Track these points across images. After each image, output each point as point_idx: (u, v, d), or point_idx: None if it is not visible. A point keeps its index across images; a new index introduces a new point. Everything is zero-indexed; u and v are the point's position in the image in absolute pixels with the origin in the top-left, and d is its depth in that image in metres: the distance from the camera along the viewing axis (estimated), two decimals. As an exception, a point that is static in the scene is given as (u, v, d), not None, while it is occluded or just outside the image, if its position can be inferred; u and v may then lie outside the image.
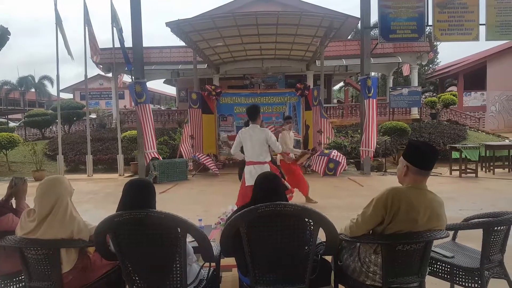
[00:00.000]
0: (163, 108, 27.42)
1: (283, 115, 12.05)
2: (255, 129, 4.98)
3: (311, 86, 12.72)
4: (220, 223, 3.95)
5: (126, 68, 13.17)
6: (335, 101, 26.13)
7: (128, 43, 11.03)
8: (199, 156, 11.02)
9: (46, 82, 38.04)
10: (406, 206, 2.15)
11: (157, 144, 9.95)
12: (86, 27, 11.79)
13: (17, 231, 2.39)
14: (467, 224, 2.72)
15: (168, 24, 10.49)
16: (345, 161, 10.52)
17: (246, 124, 5.48)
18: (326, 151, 10.62)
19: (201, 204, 6.75)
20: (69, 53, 11.47)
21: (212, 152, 11.95)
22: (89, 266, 2.48)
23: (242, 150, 5.22)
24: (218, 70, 17.64)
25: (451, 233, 3.01)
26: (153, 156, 9.62)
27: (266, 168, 4.92)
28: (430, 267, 2.61)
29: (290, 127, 7.12)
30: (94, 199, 7.82)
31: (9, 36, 11.56)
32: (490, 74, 22.38)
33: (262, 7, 17.53)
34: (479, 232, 2.51)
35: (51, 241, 2.30)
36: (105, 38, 16.88)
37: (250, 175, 4.89)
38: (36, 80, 37.89)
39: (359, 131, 12.19)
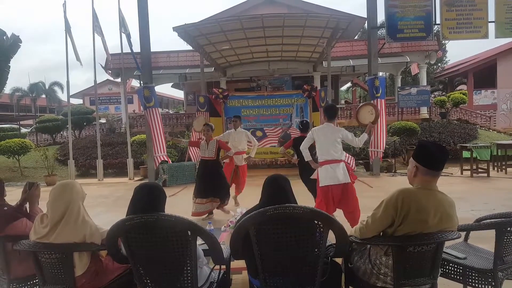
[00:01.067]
0: (171, 112, 27.55)
1: (290, 116, 12.05)
2: (330, 127, 4.88)
3: (318, 87, 12.68)
4: (229, 225, 3.96)
5: (134, 73, 13.30)
6: (342, 101, 26.00)
7: (136, 48, 11.14)
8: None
9: (56, 88, 38.60)
10: (417, 207, 2.14)
11: (166, 147, 10.00)
12: (95, 34, 11.93)
13: (31, 235, 2.43)
14: (479, 224, 2.69)
15: (175, 28, 10.56)
16: (354, 162, 10.46)
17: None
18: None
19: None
20: (78, 59, 11.62)
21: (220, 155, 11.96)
22: (101, 270, 2.51)
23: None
24: (225, 73, 17.70)
25: (463, 234, 2.98)
26: (162, 159, 9.68)
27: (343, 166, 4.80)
28: (442, 269, 2.58)
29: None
30: (104, 203, 7.89)
31: (20, 44, 11.73)
32: (500, 71, 22.08)
33: (267, 9, 17.58)
34: (491, 233, 2.48)
35: (64, 245, 2.34)
36: (113, 44, 17.10)
37: (330, 173, 4.72)
38: (47, 86, 38.44)
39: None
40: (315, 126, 12.09)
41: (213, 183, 5.96)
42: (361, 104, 6.41)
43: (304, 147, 5.00)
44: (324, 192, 4.76)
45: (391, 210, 2.17)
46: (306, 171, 5.42)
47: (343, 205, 4.80)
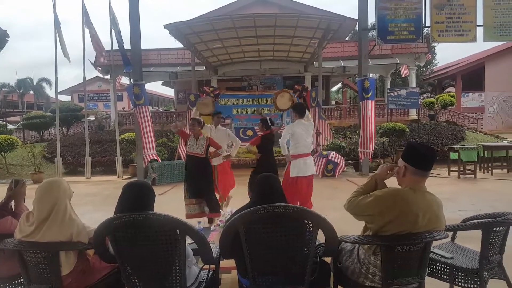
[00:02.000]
0: (161, 110, 27.39)
1: (281, 116, 12.05)
2: (305, 123, 5.41)
3: (309, 88, 12.71)
4: (219, 225, 3.94)
5: (124, 70, 13.17)
6: (333, 102, 26.15)
7: (127, 45, 11.03)
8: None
9: (45, 85, 37.98)
10: (406, 208, 2.16)
11: (156, 146, 9.94)
12: (86, 30, 11.79)
13: (16, 234, 2.38)
14: (466, 225, 2.73)
15: (166, 26, 10.49)
16: (343, 162, 10.54)
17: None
18: (325, 153, 10.64)
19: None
20: (66, 55, 11.45)
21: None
22: (88, 269, 2.47)
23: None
24: (216, 72, 17.65)
25: (450, 234, 3.02)
26: (152, 157, 9.61)
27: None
28: (429, 268, 2.61)
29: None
30: (92, 202, 7.80)
31: (8, 39, 11.50)
32: (488, 75, 22.47)
33: (259, 9, 17.57)
34: (478, 233, 2.51)
35: (50, 243, 2.30)
36: (103, 41, 16.88)
37: (306, 165, 5.32)
38: (35, 83, 37.83)
39: (357, 132, 12.20)
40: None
41: (203, 191, 5.50)
42: (280, 90, 6.67)
43: (283, 141, 5.39)
44: (293, 183, 5.31)
45: (376, 206, 2.21)
46: (263, 167, 5.68)
47: (302, 195, 5.39)
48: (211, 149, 5.70)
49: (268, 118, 6.20)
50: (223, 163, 6.43)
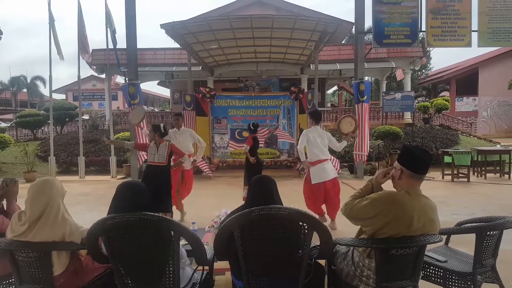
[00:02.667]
0: (156, 110, 27.29)
1: (277, 118, 12.08)
2: (320, 130, 5.50)
3: (305, 90, 12.76)
4: (213, 226, 3.93)
5: (121, 69, 13.12)
6: (329, 105, 26.22)
7: (123, 44, 10.98)
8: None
9: (39, 83, 37.74)
10: (401, 210, 2.16)
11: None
12: (79, 28, 11.72)
13: (8, 233, 2.35)
14: (460, 228, 2.74)
15: (163, 26, 10.46)
16: (338, 164, 10.55)
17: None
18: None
19: (194, 207, 6.71)
20: (59, 53, 11.36)
21: (205, 155, 11.90)
22: (81, 269, 2.45)
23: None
24: (213, 73, 17.62)
25: (444, 237, 3.03)
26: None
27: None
28: (423, 271, 2.62)
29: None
30: (86, 201, 7.75)
31: (1, 36, 11.43)
32: (482, 79, 22.68)
33: (257, 10, 17.60)
34: (471, 237, 2.52)
35: (42, 243, 2.27)
36: (99, 39, 16.82)
37: (325, 171, 5.36)
38: (28, 80, 37.56)
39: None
40: (302, 129, 12.15)
41: (160, 194, 5.12)
42: (342, 116, 6.63)
43: (300, 147, 5.44)
44: (315, 190, 5.30)
45: (372, 211, 2.21)
46: (254, 166, 6.19)
47: (329, 199, 5.37)
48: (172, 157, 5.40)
49: (252, 122, 6.68)
50: (190, 169, 6.24)
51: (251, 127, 6.61)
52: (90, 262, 2.49)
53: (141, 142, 9.23)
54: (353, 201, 2.36)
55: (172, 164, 5.40)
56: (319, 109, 10.64)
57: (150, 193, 4.92)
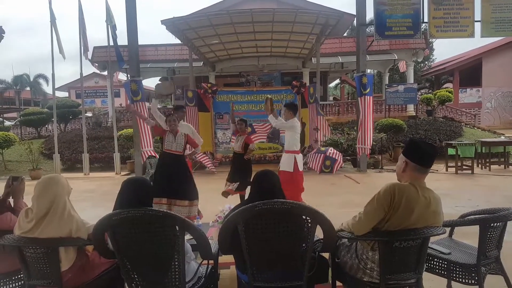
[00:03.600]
0: (159, 106, 27.31)
1: (279, 112, 12.04)
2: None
3: (307, 84, 12.72)
4: (217, 221, 3.95)
5: (123, 66, 13.11)
6: (331, 98, 26.17)
7: (124, 41, 10.98)
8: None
9: (41, 81, 37.76)
10: (406, 202, 2.17)
11: (153, 142, 9.92)
12: (80, 26, 11.72)
13: (15, 230, 2.38)
14: (464, 220, 2.74)
15: (163, 22, 10.45)
16: (341, 158, 10.56)
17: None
18: (323, 149, 10.66)
19: (198, 202, 6.74)
20: (61, 51, 11.38)
21: (208, 150, 11.93)
22: (88, 264, 2.48)
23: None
24: (214, 68, 17.60)
25: (448, 229, 3.03)
26: (149, 154, 9.60)
27: None
28: (427, 264, 2.63)
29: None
30: (91, 198, 7.80)
31: (3, 35, 11.43)
32: (485, 70, 22.50)
33: (257, 4, 17.50)
34: (475, 229, 2.53)
35: (49, 239, 2.30)
36: (101, 36, 16.82)
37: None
38: (31, 79, 37.63)
39: (355, 128, 12.22)
40: (304, 123, 12.15)
41: (178, 182, 5.12)
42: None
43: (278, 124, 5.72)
44: (302, 176, 5.54)
45: (384, 201, 2.19)
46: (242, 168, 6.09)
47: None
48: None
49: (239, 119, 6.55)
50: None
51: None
52: (96, 258, 2.52)
53: (145, 134, 9.25)
54: (357, 216, 2.31)
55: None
56: (322, 102, 10.61)
57: (165, 181, 5.04)
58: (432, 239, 2.34)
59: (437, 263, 2.67)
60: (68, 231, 2.34)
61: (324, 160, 10.27)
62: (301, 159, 5.61)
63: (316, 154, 10.46)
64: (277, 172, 5.53)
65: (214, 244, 2.52)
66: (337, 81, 31.31)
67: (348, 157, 12.00)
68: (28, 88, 38.29)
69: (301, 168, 5.56)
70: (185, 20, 10.98)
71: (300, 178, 5.56)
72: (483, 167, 10.52)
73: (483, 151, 10.44)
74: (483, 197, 6.84)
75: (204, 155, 11.29)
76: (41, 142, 15.50)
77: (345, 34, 22.10)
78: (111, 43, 12.02)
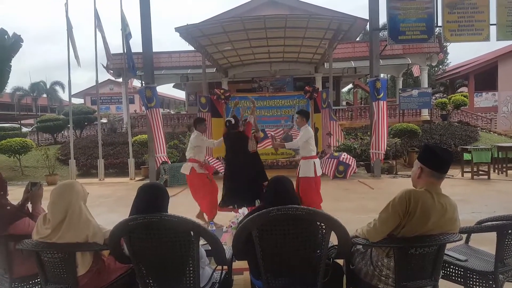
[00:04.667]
0: (172, 112, 27.59)
1: (291, 118, 12.05)
2: None
3: (320, 89, 12.70)
4: (231, 226, 3.96)
5: (136, 73, 13.31)
6: (344, 103, 26.03)
7: (139, 48, 11.15)
8: (208, 159, 11.07)
9: (58, 88, 38.52)
10: (422, 208, 2.15)
11: (167, 148, 10.02)
12: (98, 34, 11.96)
13: (34, 235, 2.44)
14: (481, 227, 2.70)
15: (177, 29, 10.59)
16: (355, 163, 10.48)
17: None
18: (336, 154, 10.60)
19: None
20: (77, 58, 11.61)
21: (221, 155, 11.97)
22: (104, 269, 2.51)
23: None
24: (227, 74, 17.72)
25: (464, 236, 2.98)
26: (163, 160, 9.70)
27: None
28: (443, 271, 2.59)
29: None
30: (106, 203, 7.90)
31: (22, 43, 11.75)
32: (501, 74, 22.09)
33: (269, 10, 17.61)
34: (492, 235, 2.48)
35: (67, 244, 2.35)
36: (116, 44, 17.12)
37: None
38: (48, 86, 38.43)
39: (368, 133, 12.13)
40: (317, 128, 12.11)
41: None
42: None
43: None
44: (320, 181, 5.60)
45: (399, 208, 2.17)
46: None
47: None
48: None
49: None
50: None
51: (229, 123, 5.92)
52: (112, 262, 2.55)
53: (159, 140, 9.37)
54: (372, 223, 2.30)
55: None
56: (335, 107, 10.58)
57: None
58: (448, 245, 2.31)
59: (454, 270, 2.62)
60: (85, 236, 2.38)
61: (337, 165, 10.21)
62: (319, 163, 5.62)
63: (329, 159, 10.40)
64: (295, 179, 5.55)
65: (228, 250, 2.53)
66: (350, 85, 31.13)
67: (362, 162, 11.90)
68: (44, 95, 39.10)
69: (319, 172, 5.55)
70: (198, 27, 11.11)
71: (319, 183, 5.61)
72: (500, 172, 10.31)
73: (500, 156, 10.24)
74: (500, 203, 6.69)
75: (217, 160, 11.34)
76: (57, 148, 15.80)
77: (358, 39, 22.01)
78: (126, 51, 12.22)
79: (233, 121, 5.89)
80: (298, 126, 5.77)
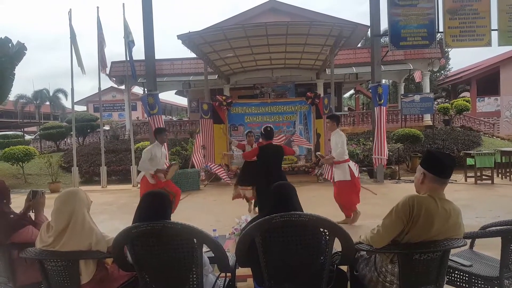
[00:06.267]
0: (174, 119, 27.68)
1: (293, 124, 12.07)
2: None
3: (322, 95, 12.72)
4: (234, 233, 3.96)
5: (139, 80, 13.41)
6: (346, 108, 26.03)
7: (141, 56, 11.24)
8: (211, 166, 11.07)
9: (60, 95, 38.79)
10: (425, 214, 2.15)
11: (169, 154, 10.03)
12: (99, 41, 12.04)
13: (37, 243, 2.44)
14: (485, 232, 2.68)
15: (179, 36, 10.66)
16: (358, 169, 10.43)
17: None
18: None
19: (214, 214, 6.77)
20: (80, 66, 11.68)
21: (224, 162, 11.99)
22: (107, 277, 2.51)
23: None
24: (229, 80, 17.78)
25: (469, 241, 2.97)
26: (165, 166, 9.68)
27: None
28: (448, 276, 2.57)
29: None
30: (108, 210, 7.90)
31: (25, 51, 11.84)
32: (503, 79, 22.07)
33: (271, 18, 17.71)
34: (497, 240, 2.47)
35: (70, 253, 2.35)
36: (119, 51, 17.27)
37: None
38: (51, 94, 38.67)
39: (371, 138, 12.11)
40: (319, 134, 12.09)
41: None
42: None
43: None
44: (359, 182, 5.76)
45: (402, 214, 2.17)
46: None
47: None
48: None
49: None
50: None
51: (263, 132, 5.58)
52: (115, 270, 2.55)
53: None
54: (376, 229, 2.29)
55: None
56: (336, 113, 10.62)
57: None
58: (452, 251, 2.30)
59: (458, 276, 2.61)
60: (88, 244, 2.39)
61: (339, 171, 10.16)
62: (353, 166, 5.72)
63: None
64: (334, 184, 5.59)
65: (231, 257, 2.53)
66: (352, 91, 31.17)
67: (364, 168, 11.87)
68: (47, 103, 39.34)
69: (356, 174, 5.68)
70: (200, 34, 11.18)
71: (358, 184, 5.80)
72: (504, 177, 10.26)
73: (503, 160, 10.20)
74: (504, 207, 6.65)
75: (219, 167, 11.34)
76: (60, 156, 15.84)
77: (359, 45, 22.08)
78: (129, 58, 12.31)
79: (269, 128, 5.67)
80: (329, 130, 6.06)
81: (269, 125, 6.20)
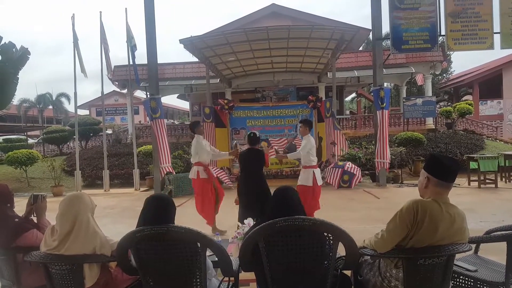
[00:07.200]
0: (176, 123, 27.71)
1: (295, 127, 12.07)
2: None
3: (323, 98, 12.74)
4: (237, 237, 3.94)
5: (141, 84, 13.45)
6: (347, 112, 26.02)
7: (144, 60, 11.27)
8: (213, 169, 11.07)
9: (63, 99, 38.87)
10: (430, 219, 2.13)
11: (171, 158, 10.04)
12: (103, 46, 12.11)
13: (41, 247, 2.44)
14: (491, 237, 2.67)
15: (181, 41, 10.69)
16: (360, 173, 10.43)
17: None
18: (340, 163, 10.56)
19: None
20: (83, 70, 11.74)
21: (225, 166, 11.99)
22: (111, 281, 2.51)
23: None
24: (230, 84, 17.81)
25: (473, 246, 2.95)
26: (167, 170, 9.71)
27: None
28: (452, 281, 2.56)
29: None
30: (111, 214, 7.90)
31: (29, 56, 11.89)
32: (506, 82, 22.06)
33: (272, 21, 17.76)
34: (502, 245, 2.45)
35: (74, 256, 2.35)
36: (122, 56, 17.35)
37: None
38: (54, 98, 38.79)
39: (373, 142, 12.10)
40: (321, 137, 12.11)
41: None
42: None
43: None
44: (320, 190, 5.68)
45: (407, 218, 2.16)
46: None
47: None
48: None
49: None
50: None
51: (248, 139, 5.51)
52: (119, 274, 2.55)
53: (163, 151, 9.43)
54: (378, 234, 2.28)
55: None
56: (339, 116, 10.61)
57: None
58: (457, 256, 2.28)
59: (463, 281, 2.59)
60: (92, 248, 2.39)
61: (342, 174, 10.16)
62: (319, 173, 5.65)
63: (334, 168, 10.36)
64: (295, 187, 5.53)
65: (234, 261, 2.52)
66: (354, 94, 31.17)
67: (367, 172, 11.85)
68: (50, 107, 39.45)
69: (319, 182, 5.59)
70: (202, 39, 11.21)
71: (318, 192, 5.64)
72: (507, 180, 10.21)
73: (507, 164, 10.15)
74: (508, 211, 6.62)
75: (221, 170, 11.34)
76: (63, 159, 15.88)
77: (361, 48, 22.11)
78: (131, 63, 12.36)
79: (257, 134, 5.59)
80: (301, 135, 5.80)
81: (255, 131, 6.26)
